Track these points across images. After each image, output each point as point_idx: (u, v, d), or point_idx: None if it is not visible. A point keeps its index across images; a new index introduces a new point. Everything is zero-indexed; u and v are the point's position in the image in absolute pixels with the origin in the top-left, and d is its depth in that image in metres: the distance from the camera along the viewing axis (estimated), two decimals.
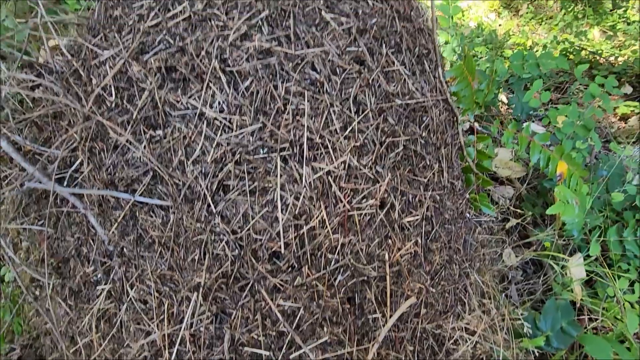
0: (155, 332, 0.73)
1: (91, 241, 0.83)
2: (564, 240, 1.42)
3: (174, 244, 0.71)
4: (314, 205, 0.67)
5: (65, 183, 0.83)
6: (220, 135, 0.67)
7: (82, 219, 0.85)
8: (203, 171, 0.67)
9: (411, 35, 0.88)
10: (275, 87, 0.67)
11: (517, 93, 1.98)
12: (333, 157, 0.68)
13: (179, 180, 0.69)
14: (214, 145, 0.67)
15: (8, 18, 1.27)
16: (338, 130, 0.69)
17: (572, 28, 4.10)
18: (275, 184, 0.66)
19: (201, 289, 0.69)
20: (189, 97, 0.69)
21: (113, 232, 0.77)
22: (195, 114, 0.68)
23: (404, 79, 0.82)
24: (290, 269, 0.69)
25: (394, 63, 0.80)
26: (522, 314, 1.03)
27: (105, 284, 0.79)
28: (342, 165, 0.68)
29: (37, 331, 0.93)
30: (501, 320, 0.99)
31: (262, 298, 0.68)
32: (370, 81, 0.74)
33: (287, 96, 0.67)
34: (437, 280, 0.88)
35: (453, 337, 0.90)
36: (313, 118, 0.67)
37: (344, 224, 0.70)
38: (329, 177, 0.68)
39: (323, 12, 0.74)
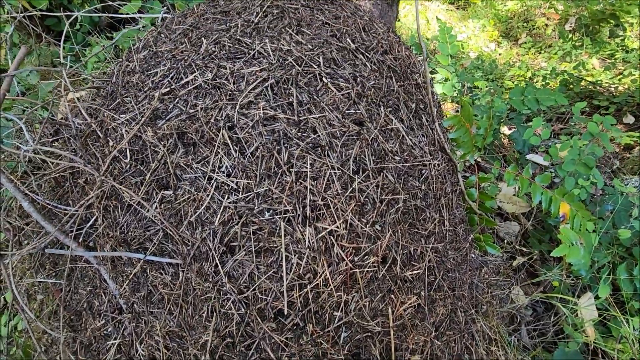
0: None
1: (103, 295, 0.86)
2: (572, 278, 1.40)
3: (183, 302, 0.73)
4: (318, 265, 0.70)
5: (81, 238, 0.87)
6: (228, 198, 0.71)
7: (95, 272, 0.88)
8: (211, 232, 0.71)
9: (408, 93, 0.93)
10: (279, 152, 0.71)
11: (518, 127, 2.01)
12: (335, 217, 0.71)
13: (188, 241, 0.72)
14: (221, 208, 0.70)
15: (31, 74, 1.36)
16: (339, 191, 0.72)
17: (571, 57, 4.18)
18: (279, 245, 0.69)
19: (208, 347, 0.71)
20: (199, 162, 0.73)
21: (125, 288, 0.80)
22: (205, 177, 0.72)
23: (402, 135, 0.86)
24: (295, 327, 0.70)
25: (392, 121, 0.85)
26: None
27: (115, 338, 0.81)
28: (344, 224, 0.71)
29: None
30: None
31: (268, 356, 0.69)
32: (369, 141, 0.78)
33: (291, 160, 0.71)
34: (442, 330, 0.88)
35: None
36: (315, 180, 0.71)
37: (346, 282, 0.72)
38: (331, 237, 0.71)
39: (324, 78, 0.79)
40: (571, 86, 3.02)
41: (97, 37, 1.74)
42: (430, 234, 0.86)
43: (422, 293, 0.82)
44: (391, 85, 0.89)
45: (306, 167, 0.71)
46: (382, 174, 0.78)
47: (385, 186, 0.78)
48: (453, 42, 2.02)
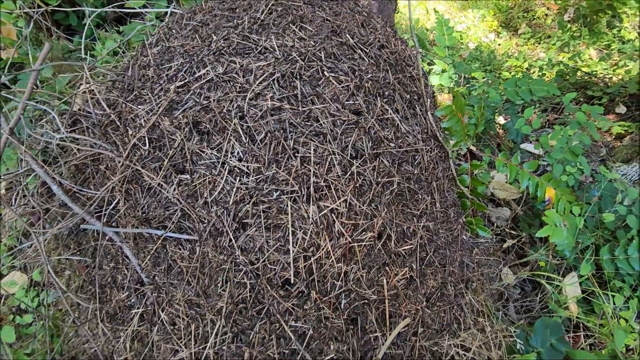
0: (183, 351, 0.83)
1: (125, 270, 0.95)
2: (558, 259, 1.50)
3: (200, 273, 0.82)
4: (320, 239, 0.78)
5: (104, 219, 0.96)
6: (240, 180, 0.79)
7: (117, 250, 0.97)
8: (225, 211, 0.79)
9: (403, 84, 1.01)
10: (286, 139, 0.80)
11: (512, 118, 2.09)
12: (336, 197, 0.79)
13: (205, 218, 0.81)
14: (234, 189, 0.79)
15: (46, 69, 1.44)
16: (339, 174, 0.80)
17: (570, 47, 4.23)
18: (286, 221, 0.77)
19: (223, 313, 0.80)
20: (213, 149, 0.81)
21: (146, 263, 0.88)
22: (219, 162, 0.81)
23: (397, 124, 0.94)
24: (300, 294, 0.79)
25: (387, 111, 0.92)
26: (515, 332, 1.11)
27: (139, 308, 0.91)
28: (344, 203, 0.80)
29: (75, 350, 1.04)
30: (495, 338, 1.07)
31: (277, 320, 0.79)
32: (367, 129, 0.86)
33: (296, 146, 0.80)
34: (432, 301, 0.97)
35: (449, 353, 0.99)
36: (318, 164, 0.79)
37: (346, 254, 0.80)
38: (333, 214, 0.79)
39: (325, 72, 0.87)
40: (567, 77, 3.08)
41: (106, 31, 1.80)
42: (422, 213, 0.95)
43: (414, 266, 0.91)
44: (387, 77, 0.96)
45: (310, 153, 0.79)
46: (378, 158, 0.87)
47: (381, 170, 0.86)
48: (451, 34, 2.08)
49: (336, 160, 0.81)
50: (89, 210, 0.94)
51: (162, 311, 0.86)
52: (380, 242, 0.84)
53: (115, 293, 0.94)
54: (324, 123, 0.81)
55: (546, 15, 5.06)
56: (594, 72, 3.15)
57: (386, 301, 0.85)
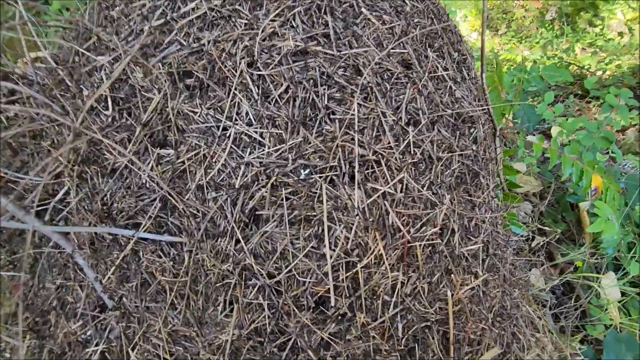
0: None
1: (79, 289, 0.67)
2: (596, 258, 1.33)
3: (191, 292, 0.56)
4: (369, 237, 0.54)
5: (47, 216, 0.67)
6: (250, 153, 0.54)
7: (67, 260, 0.69)
8: (229, 198, 0.54)
9: (450, 40, 0.79)
10: (317, 94, 0.55)
11: (522, 106, 1.94)
12: (388, 177, 0.56)
13: (197, 211, 0.55)
14: (242, 166, 0.54)
15: None
16: (392, 144, 0.57)
17: (553, 45, 4.23)
18: (320, 213, 0.53)
19: (227, 350, 0.54)
20: (209, 108, 0.56)
21: (110, 278, 0.61)
22: (218, 127, 0.55)
23: (450, 86, 0.72)
24: (340, 318, 0.55)
25: (438, 68, 0.70)
26: (580, 348, 0.91)
27: (98, 344, 0.63)
28: (400, 186, 0.56)
29: None
30: (559, 358, 0.87)
31: (308, 357, 0.54)
32: (419, 88, 0.63)
33: (331, 104, 0.56)
34: (494, 316, 0.75)
35: None
36: (363, 130, 0.56)
37: (403, 258, 0.57)
38: (385, 201, 0.55)
39: (363, 9, 0.64)
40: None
41: None
42: (482, 202, 0.73)
43: (479, 272, 0.69)
44: (434, 28, 0.74)
45: (353, 113, 0.55)
46: (435, 127, 0.64)
47: (440, 142, 0.64)
48: (453, 18, 1.91)
49: (387, 125, 0.57)
50: (22, 204, 0.66)
51: (134, 349, 0.59)
52: (443, 241, 0.61)
53: (64, 323, 0.66)
54: (367, 74, 0.58)
55: (524, 16, 5.09)
56: (588, 66, 3.11)
57: (451, 321, 0.62)
